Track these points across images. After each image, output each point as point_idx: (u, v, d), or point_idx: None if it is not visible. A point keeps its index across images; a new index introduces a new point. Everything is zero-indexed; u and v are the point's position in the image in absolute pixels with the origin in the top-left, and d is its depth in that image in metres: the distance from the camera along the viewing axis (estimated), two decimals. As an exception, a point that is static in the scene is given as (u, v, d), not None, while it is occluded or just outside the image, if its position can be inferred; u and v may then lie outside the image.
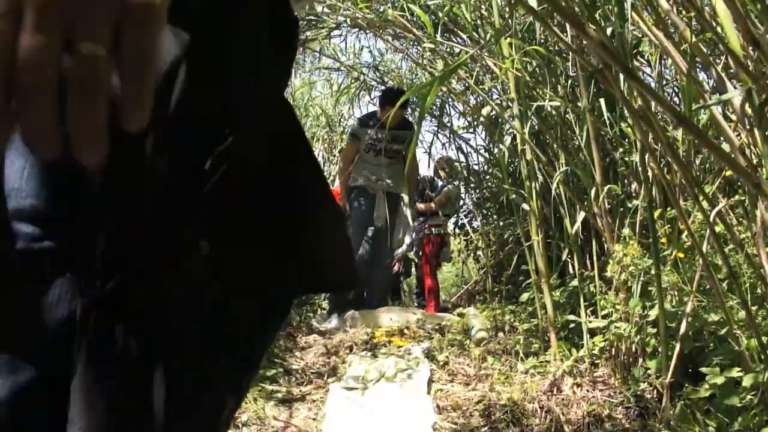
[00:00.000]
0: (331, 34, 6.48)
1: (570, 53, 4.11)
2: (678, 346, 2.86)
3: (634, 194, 4.01)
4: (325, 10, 5.91)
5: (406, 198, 6.05)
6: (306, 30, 6.01)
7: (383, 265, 6.42)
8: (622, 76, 2.70)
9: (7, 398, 0.70)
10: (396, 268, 7.03)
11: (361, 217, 6.07)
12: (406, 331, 5.09)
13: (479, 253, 7.30)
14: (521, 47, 3.80)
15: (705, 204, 2.62)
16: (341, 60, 7.90)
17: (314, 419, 3.62)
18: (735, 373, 2.65)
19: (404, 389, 3.81)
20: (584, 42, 2.74)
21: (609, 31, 2.76)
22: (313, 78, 9.27)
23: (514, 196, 4.17)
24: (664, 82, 3.93)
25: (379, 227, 6.04)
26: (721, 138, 2.74)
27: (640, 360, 3.34)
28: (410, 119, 6.27)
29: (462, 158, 7.64)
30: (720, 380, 2.63)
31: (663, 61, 3.60)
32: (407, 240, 6.24)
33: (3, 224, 0.73)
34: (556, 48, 4.23)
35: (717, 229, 2.71)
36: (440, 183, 6.91)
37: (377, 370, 4.13)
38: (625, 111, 3.64)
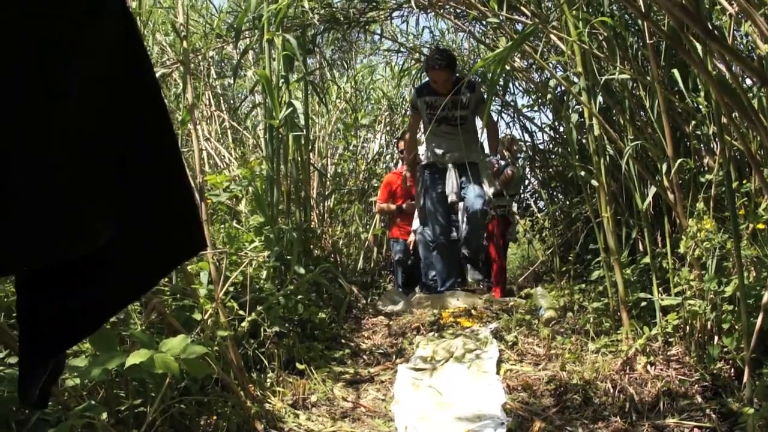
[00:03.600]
0: (392, 15, 6.43)
1: (637, 24, 4.01)
2: (759, 322, 2.77)
3: (705, 168, 3.90)
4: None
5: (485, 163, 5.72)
6: (366, 11, 5.98)
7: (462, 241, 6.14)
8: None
9: None
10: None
11: (435, 196, 5.83)
12: (473, 312, 5.06)
13: (545, 233, 7.21)
14: (587, 19, 3.71)
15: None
16: (401, 41, 7.86)
17: (383, 400, 3.62)
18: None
19: (473, 369, 3.79)
20: (656, 8, 2.67)
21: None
22: (373, 60, 9.27)
23: (582, 173, 4.09)
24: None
25: (452, 203, 5.77)
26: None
27: (716, 338, 3.26)
28: (470, 80, 5.79)
29: (527, 137, 7.56)
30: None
31: (736, 33, 3.49)
32: (488, 190, 5.79)
33: None
34: (624, 18, 4.12)
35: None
36: (502, 163, 6.80)
37: (445, 350, 4.11)
38: (698, 82, 3.54)
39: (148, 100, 1.01)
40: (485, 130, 5.88)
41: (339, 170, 8.06)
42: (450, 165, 5.73)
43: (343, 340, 4.63)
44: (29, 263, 0.90)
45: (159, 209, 1.06)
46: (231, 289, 3.51)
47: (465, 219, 5.92)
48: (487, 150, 6.16)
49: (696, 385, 3.20)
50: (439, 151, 5.78)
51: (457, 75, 5.64)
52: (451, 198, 5.71)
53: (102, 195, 0.96)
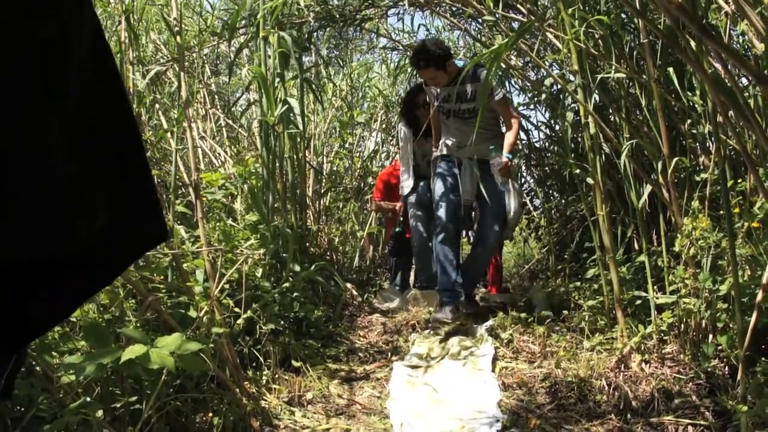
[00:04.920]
0: (388, 12, 6.41)
1: (634, 23, 4.01)
2: (753, 320, 2.77)
3: (701, 167, 3.91)
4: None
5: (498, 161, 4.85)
6: (362, 9, 5.97)
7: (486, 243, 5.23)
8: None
9: None
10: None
11: (443, 190, 5.12)
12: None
13: (541, 231, 7.22)
14: (584, 18, 3.71)
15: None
16: (397, 39, 7.85)
17: (378, 397, 3.62)
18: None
19: (468, 367, 3.80)
20: (652, 6, 2.68)
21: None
22: (369, 58, 9.26)
23: (578, 171, 4.09)
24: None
25: (465, 203, 5.04)
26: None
27: (711, 336, 3.26)
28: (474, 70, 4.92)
29: (522, 135, 7.55)
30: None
31: (732, 32, 3.50)
32: (514, 206, 4.99)
33: None
34: (620, 16, 4.13)
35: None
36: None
37: (441, 348, 4.12)
38: (694, 81, 3.54)
39: (126, 95, 1.02)
40: (504, 124, 5.12)
41: (335, 168, 8.04)
42: (466, 161, 5.04)
43: (338, 338, 4.62)
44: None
45: (156, 206, 1.07)
46: (227, 286, 3.50)
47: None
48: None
49: (690, 383, 3.21)
50: (449, 143, 5.19)
51: (458, 66, 5.05)
52: (465, 198, 5.01)
53: (102, 194, 0.96)
